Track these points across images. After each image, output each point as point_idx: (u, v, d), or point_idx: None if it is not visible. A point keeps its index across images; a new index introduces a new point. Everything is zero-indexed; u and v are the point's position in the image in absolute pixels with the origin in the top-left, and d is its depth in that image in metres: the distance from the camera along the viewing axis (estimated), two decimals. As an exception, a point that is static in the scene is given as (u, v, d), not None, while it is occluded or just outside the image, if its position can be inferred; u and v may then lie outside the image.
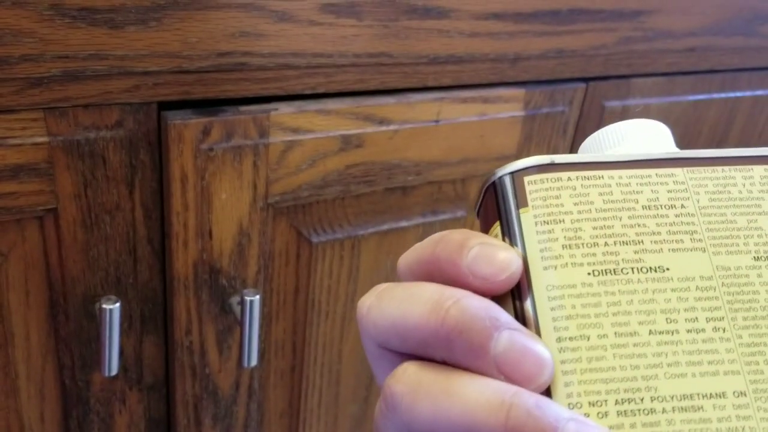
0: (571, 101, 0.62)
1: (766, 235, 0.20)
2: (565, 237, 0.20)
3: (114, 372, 0.49)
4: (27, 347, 0.48)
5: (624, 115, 0.67)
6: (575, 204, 0.20)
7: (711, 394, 0.18)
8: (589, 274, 0.19)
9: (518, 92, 0.58)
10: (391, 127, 0.53)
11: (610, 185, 0.21)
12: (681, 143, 0.74)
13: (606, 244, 0.20)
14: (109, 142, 0.44)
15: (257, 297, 0.50)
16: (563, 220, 0.20)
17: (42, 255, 0.46)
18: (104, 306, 0.47)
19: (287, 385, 0.60)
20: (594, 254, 0.20)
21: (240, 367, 0.55)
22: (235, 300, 0.52)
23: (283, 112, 0.49)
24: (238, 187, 0.49)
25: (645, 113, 0.69)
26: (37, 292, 0.47)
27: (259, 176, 0.49)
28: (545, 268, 0.20)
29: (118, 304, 0.47)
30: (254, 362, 0.52)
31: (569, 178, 0.21)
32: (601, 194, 0.21)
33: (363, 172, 0.54)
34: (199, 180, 0.47)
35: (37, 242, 0.46)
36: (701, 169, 0.21)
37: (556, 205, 0.20)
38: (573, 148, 0.65)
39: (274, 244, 0.54)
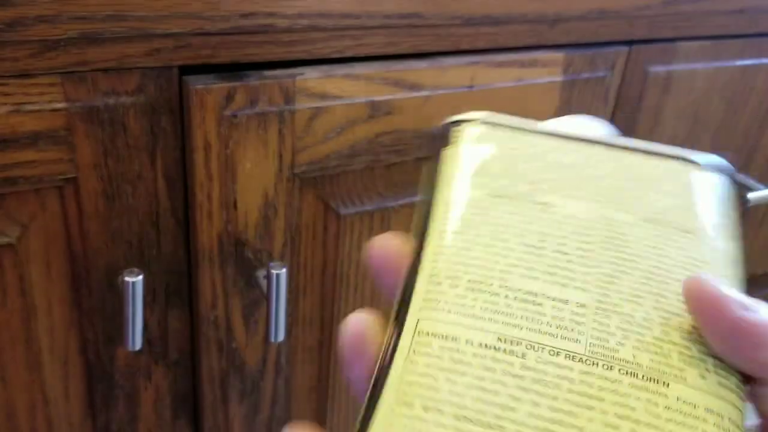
0: (612, 66, 0.59)
1: (655, 205, 0.23)
2: (476, 167, 0.24)
3: (138, 346, 0.47)
4: (50, 321, 0.47)
5: (669, 79, 0.64)
6: (490, 147, 0.24)
7: (555, 297, 0.20)
8: (487, 194, 0.23)
9: (557, 56, 0.55)
10: (423, 93, 0.51)
11: (525, 141, 0.25)
12: (727, 110, 0.70)
13: (508, 178, 0.23)
14: (129, 108, 0.43)
15: (284, 271, 0.48)
16: (477, 157, 0.24)
17: (63, 226, 0.45)
18: (127, 279, 0.45)
19: (315, 361, 0.59)
20: (494, 183, 0.23)
21: (267, 342, 0.54)
22: (261, 273, 0.50)
23: (310, 76, 0.46)
24: (263, 156, 0.47)
25: (690, 78, 0.65)
26: (59, 264, 0.46)
27: (284, 145, 0.47)
28: (452, 188, 0.23)
29: (141, 277, 0.45)
30: (281, 337, 0.50)
31: (494, 130, 0.25)
32: (513, 148, 0.25)
33: (393, 141, 0.52)
34: (222, 148, 0.45)
35: (58, 213, 0.44)
36: (616, 149, 0.25)
37: (475, 146, 0.25)
38: (614, 115, 0.62)
39: (300, 216, 0.52)
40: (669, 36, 0.62)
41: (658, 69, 0.63)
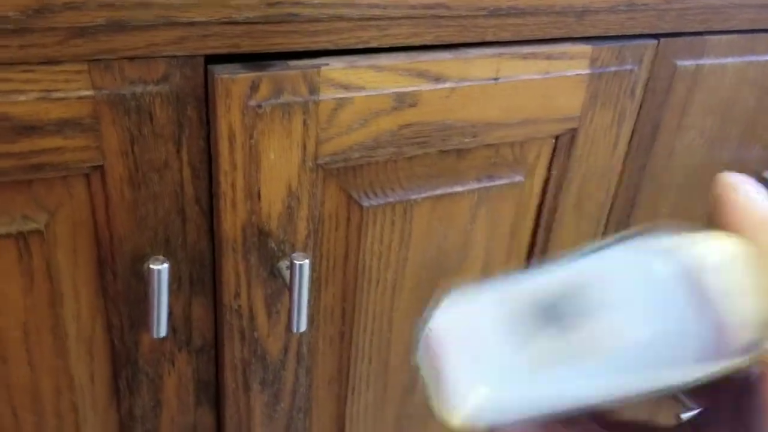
0: (640, 59, 0.58)
1: None
2: None
3: (163, 334, 0.48)
4: (76, 307, 0.48)
5: (697, 73, 0.63)
6: None
7: None
8: None
9: (584, 48, 0.55)
10: (447, 85, 0.51)
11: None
12: (757, 105, 0.69)
13: None
14: (156, 96, 0.43)
15: (306, 261, 0.48)
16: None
17: (89, 213, 0.45)
18: (152, 266, 0.46)
19: (336, 352, 0.59)
20: None
21: (289, 332, 0.54)
22: (284, 264, 0.51)
23: (334, 67, 0.46)
24: (287, 147, 0.47)
25: (719, 73, 0.64)
26: (85, 250, 0.46)
27: (308, 135, 0.47)
28: None
29: (166, 265, 0.46)
30: (303, 327, 0.51)
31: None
32: None
33: (416, 133, 0.51)
34: (247, 138, 0.45)
35: (85, 200, 0.45)
36: None
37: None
38: (641, 110, 0.61)
39: (323, 207, 0.52)
40: (698, 29, 0.61)
41: (687, 63, 0.62)
